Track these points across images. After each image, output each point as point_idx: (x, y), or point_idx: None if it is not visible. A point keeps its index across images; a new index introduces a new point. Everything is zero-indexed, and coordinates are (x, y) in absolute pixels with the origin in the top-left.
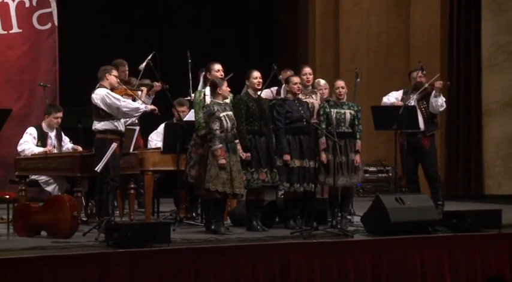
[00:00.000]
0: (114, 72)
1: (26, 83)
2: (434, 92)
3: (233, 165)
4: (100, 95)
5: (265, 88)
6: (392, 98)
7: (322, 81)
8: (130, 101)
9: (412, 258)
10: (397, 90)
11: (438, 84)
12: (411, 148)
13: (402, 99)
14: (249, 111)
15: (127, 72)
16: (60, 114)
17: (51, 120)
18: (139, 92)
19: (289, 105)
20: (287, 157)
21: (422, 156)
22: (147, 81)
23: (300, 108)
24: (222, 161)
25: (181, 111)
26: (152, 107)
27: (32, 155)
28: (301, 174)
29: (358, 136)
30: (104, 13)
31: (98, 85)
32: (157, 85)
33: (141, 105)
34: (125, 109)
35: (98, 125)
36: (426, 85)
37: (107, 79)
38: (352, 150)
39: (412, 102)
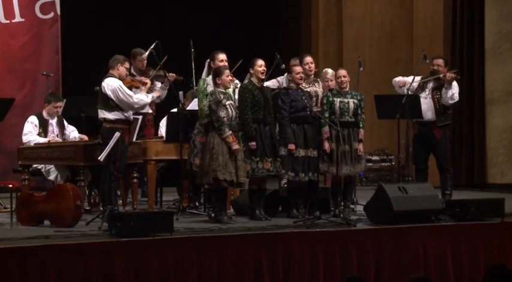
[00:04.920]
0: (126, 64)
1: (28, 72)
2: (445, 83)
3: (237, 154)
4: (112, 86)
5: (269, 77)
6: (407, 78)
7: (330, 71)
8: (140, 95)
9: (415, 247)
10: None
11: (448, 76)
12: (423, 138)
13: (419, 85)
14: (254, 100)
15: (145, 62)
16: (59, 104)
17: (51, 109)
18: (143, 86)
19: (293, 94)
20: (292, 146)
21: (435, 146)
22: (162, 72)
23: (303, 98)
24: (236, 147)
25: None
26: (156, 94)
27: (34, 144)
28: (306, 163)
29: (361, 125)
30: (107, 2)
31: (108, 74)
32: (172, 76)
33: (148, 97)
34: (136, 106)
35: (109, 115)
36: (441, 75)
37: (118, 69)
38: (355, 140)
39: (427, 91)
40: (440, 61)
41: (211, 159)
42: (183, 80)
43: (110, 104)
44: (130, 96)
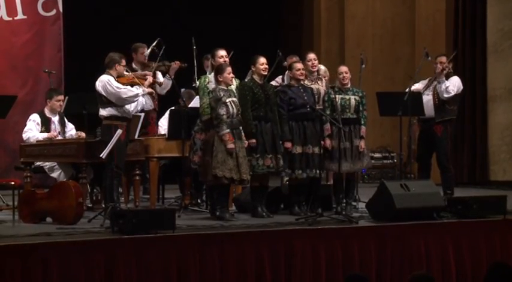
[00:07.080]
0: (123, 62)
1: (30, 69)
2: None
3: (239, 151)
4: (102, 82)
5: (270, 74)
6: (417, 86)
7: (323, 68)
8: (129, 87)
9: (417, 245)
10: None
11: (437, 69)
12: (425, 135)
13: (426, 86)
14: (254, 97)
15: (147, 55)
16: (61, 97)
17: (54, 104)
18: (146, 82)
19: (293, 92)
20: (288, 144)
21: (435, 143)
22: (162, 64)
23: (303, 94)
24: (231, 146)
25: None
26: (149, 90)
27: (36, 141)
28: (304, 160)
29: (362, 122)
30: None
31: (105, 72)
32: (176, 63)
33: (139, 90)
34: (124, 96)
35: (103, 112)
36: (439, 71)
37: (116, 69)
38: (356, 136)
39: (431, 88)
40: (444, 58)
41: (212, 156)
42: (186, 67)
43: (103, 100)
44: (118, 87)
